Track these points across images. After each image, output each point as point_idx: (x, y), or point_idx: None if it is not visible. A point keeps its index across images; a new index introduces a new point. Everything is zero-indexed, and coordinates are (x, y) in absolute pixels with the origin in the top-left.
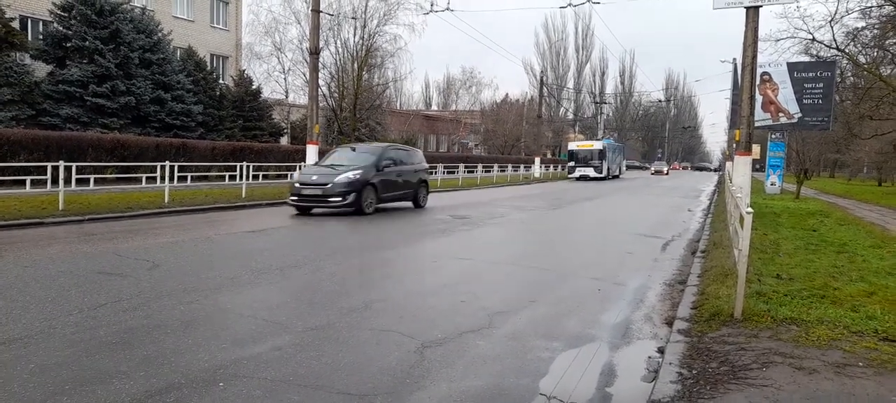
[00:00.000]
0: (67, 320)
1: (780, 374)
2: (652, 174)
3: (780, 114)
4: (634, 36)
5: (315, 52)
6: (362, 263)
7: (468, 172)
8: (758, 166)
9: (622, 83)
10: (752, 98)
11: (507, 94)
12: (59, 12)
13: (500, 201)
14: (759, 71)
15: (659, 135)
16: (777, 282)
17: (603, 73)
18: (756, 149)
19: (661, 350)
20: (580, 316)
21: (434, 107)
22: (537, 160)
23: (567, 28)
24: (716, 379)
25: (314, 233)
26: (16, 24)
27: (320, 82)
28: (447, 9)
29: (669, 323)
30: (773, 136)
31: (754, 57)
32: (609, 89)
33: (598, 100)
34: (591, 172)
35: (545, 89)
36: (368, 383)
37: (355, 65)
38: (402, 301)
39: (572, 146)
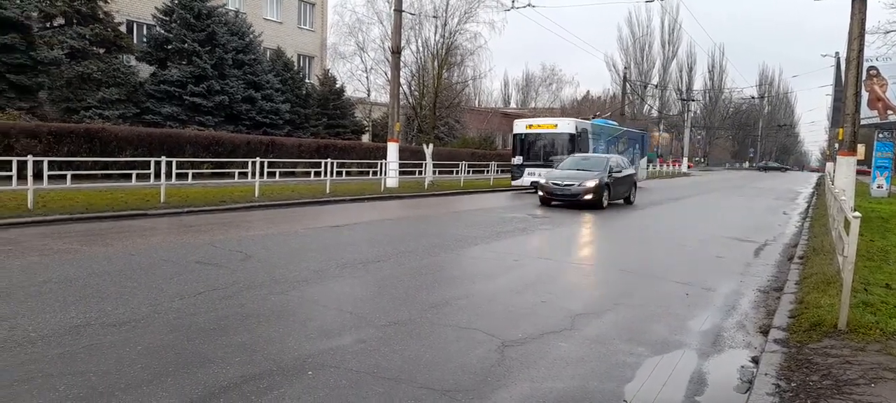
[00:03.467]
0: (169, 306)
1: (891, 391)
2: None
3: (889, 112)
4: (725, 30)
5: (397, 51)
6: (443, 260)
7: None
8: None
9: (711, 79)
10: (857, 94)
11: (588, 92)
12: (161, 16)
13: None
14: (865, 65)
15: (751, 133)
16: (886, 292)
17: (690, 69)
18: (861, 148)
19: (755, 360)
20: (667, 322)
21: (513, 105)
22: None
23: (652, 22)
24: (818, 394)
25: (394, 230)
26: (123, 29)
27: (401, 81)
28: (528, 5)
29: (765, 332)
30: (881, 136)
31: (860, 50)
32: (697, 85)
33: (684, 96)
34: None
35: (628, 86)
36: (450, 379)
37: (435, 63)
38: (482, 298)
39: (519, 127)
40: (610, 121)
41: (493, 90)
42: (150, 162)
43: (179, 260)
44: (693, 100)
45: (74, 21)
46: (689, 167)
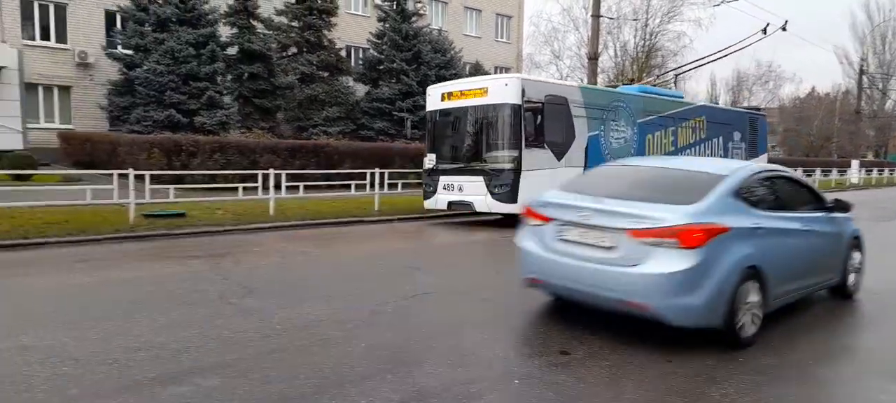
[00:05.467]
0: (386, 308)
1: None
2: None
3: None
4: None
5: (594, 57)
6: None
7: None
8: None
9: None
10: None
11: (813, 88)
12: (374, 40)
13: None
14: None
15: None
16: None
17: None
18: None
19: None
20: None
21: (721, 106)
22: (854, 163)
23: None
24: None
25: None
26: (343, 53)
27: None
28: None
29: None
30: None
31: None
32: None
33: None
34: (475, 192)
35: (865, 80)
36: None
37: (635, 67)
38: None
39: (433, 97)
40: (656, 89)
41: (698, 92)
42: (365, 173)
43: (394, 264)
44: None
45: (304, 49)
46: None
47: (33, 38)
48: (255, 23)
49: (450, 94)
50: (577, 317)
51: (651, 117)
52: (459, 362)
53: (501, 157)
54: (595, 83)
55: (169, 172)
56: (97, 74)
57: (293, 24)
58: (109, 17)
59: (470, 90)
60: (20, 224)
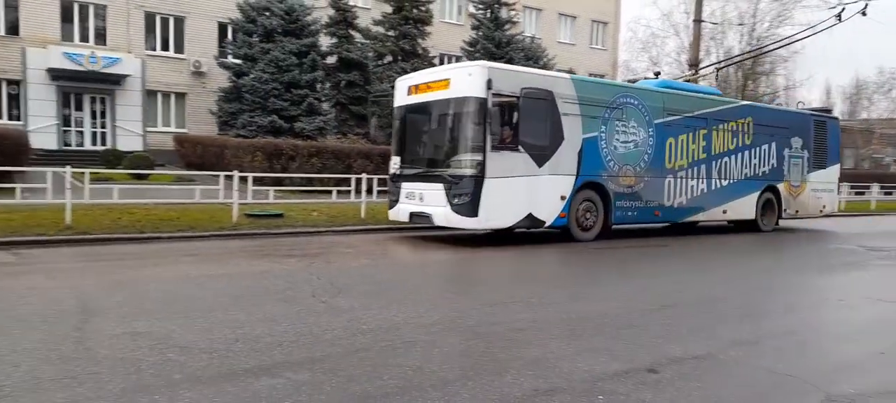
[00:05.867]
0: (470, 314)
1: None
2: None
3: None
4: None
5: (695, 64)
6: (746, 289)
7: (885, 194)
8: None
9: None
10: None
11: None
12: (467, 48)
13: None
14: None
15: None
16: None
17: None
18: None
19: None
20: None
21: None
22: None
23: None
24: None
25: (686, 252)
26: (436, 62)
27: None
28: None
29: None
30: None
31: None
32: None
33: None
34: (435, 202)
35: None
36: None
37: (739, 74)
38: (799, 340)
39: (401, 92)
40: (683, 84)
41: (811, 100)
42: None
43: (480, 270)
44: None
45: (399, 58)
46: None
47: (154, 49)
48: (353, 33)
49: (416, 87)
50: (668, 335)
51: (674, 118)
52: (542, 373)
53: (463, 161)
54: None
55: (269, 174)
56: (209, 82)
57: (389, 33)
58: (221, 29)
59: (434, 82)
60: (137, 219)
